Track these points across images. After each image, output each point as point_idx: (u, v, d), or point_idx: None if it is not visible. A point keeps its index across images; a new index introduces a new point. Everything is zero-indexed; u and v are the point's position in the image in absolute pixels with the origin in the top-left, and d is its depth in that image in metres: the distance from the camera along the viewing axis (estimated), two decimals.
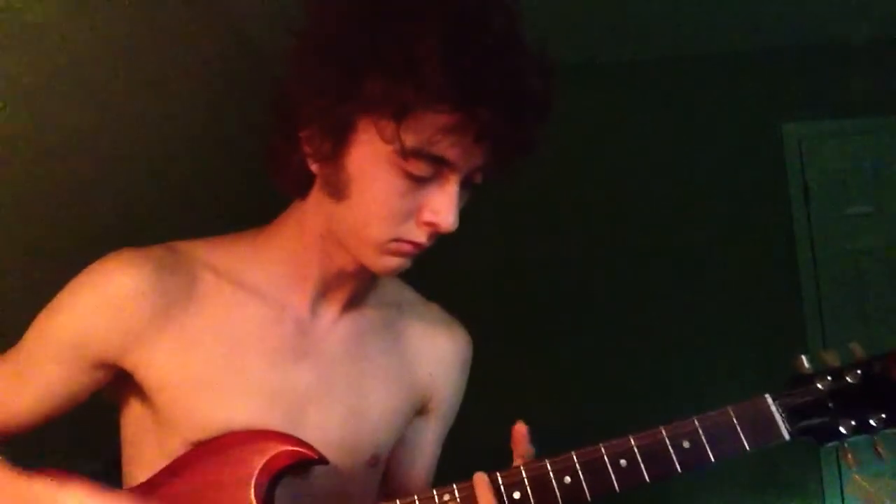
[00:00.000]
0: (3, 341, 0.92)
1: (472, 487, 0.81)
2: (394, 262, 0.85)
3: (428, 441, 1.05)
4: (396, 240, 0.82)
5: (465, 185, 0.82)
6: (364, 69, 0.76)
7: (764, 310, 3.05)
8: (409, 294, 1.05)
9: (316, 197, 0.87)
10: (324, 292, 0.93)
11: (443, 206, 0.80)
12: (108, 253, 0.88)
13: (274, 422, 0.87)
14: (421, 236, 0.83)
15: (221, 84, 2.41)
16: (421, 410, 1.03)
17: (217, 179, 2.31)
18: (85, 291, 0.86)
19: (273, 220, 0.95)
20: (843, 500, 2.94)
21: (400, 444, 1.02)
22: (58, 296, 0.87)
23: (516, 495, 0.80)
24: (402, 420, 1.00)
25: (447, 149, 0.77)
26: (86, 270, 0.87)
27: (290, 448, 0.83)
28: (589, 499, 0.80)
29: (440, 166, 0.79)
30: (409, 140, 0.76)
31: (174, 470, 0.85)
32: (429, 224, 0.81)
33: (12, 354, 0.89)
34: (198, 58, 2.32)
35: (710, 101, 3.24)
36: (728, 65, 3.26)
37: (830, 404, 0.79)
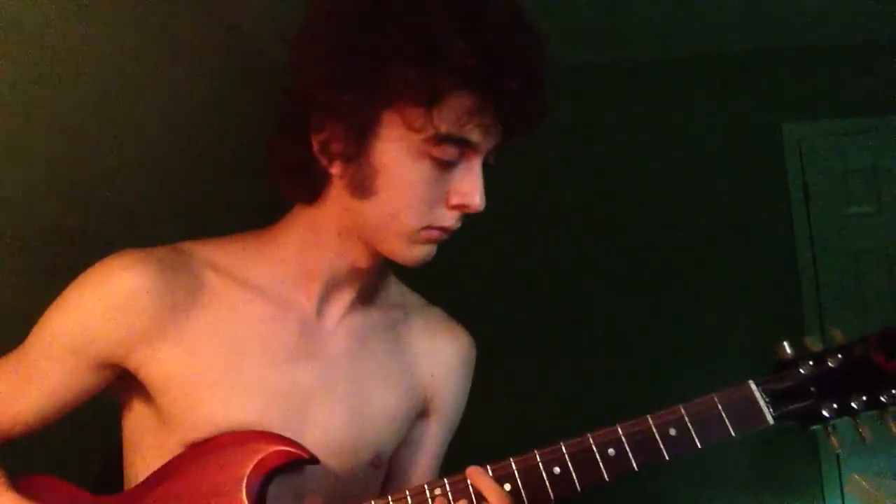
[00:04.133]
0: (3, 342, 0.92)
1: (463, 481, 0.81)
2: (423, 250, 0.86)
3: (430, 443, 1.05)
4: (427, 227, 0.83)
5: (482, 166, 0.84)
6: (388, 62, 0.76)
7: (764, 309, 3.04)
8: (412, 297, 1.05)
9: (335, 196, 0.87)
10: (330, 292, 0.93)
11: (471, 188, 0.82)
12: (110, 254, 0.88)
13: (275, 422, 0.87)
14: (451, 220, 0.84)
15: (223, 85, 2.42)
16: (423, 412, 1.03)
17: (219, 181, 2.32)
18: (89, 292, 0.86)
19: (276, 220, 0.95)
20: (843, 500, 2.93)
21: (402, 446, 1.02)
22: (61, 296, 0.87)
23: (507, 487, 0.80)
24: (403, 421, 0.99)
25: (473, 130, 0.79)
26: (89, 271, 0.87)
27: (282, 448, 0.83)
28: (579, 488, 0.81)
29: (465, 148, 0.81)
30: (442, 126, 0.77)
31: (169, 471, 0.85)
32: (459, 207, 0.83)
33: (15, 356, 0.89)
34: (199, 59, 2.33)
35: (710, 101, 3.24)
36: (728, 65, 3.26)
37: (813, 388, 0.80)
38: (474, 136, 0.80)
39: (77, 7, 1.79)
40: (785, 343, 0.82)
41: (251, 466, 0.82)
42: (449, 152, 0.80)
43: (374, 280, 0.96)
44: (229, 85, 2.43)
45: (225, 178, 2.30)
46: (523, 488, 0.81)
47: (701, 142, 3.24)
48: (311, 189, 0.88)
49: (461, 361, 1.05)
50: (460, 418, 1.08)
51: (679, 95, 3.26)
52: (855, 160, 3.22)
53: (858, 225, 3.19)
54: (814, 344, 0.82)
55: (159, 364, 0.86)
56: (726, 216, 3.18)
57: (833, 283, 3.15)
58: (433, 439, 1.05)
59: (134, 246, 0.89)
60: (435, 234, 0.85)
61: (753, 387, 0.81)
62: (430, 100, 0.76)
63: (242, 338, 0.88)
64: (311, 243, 0.90)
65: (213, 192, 2.29)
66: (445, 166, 0.81)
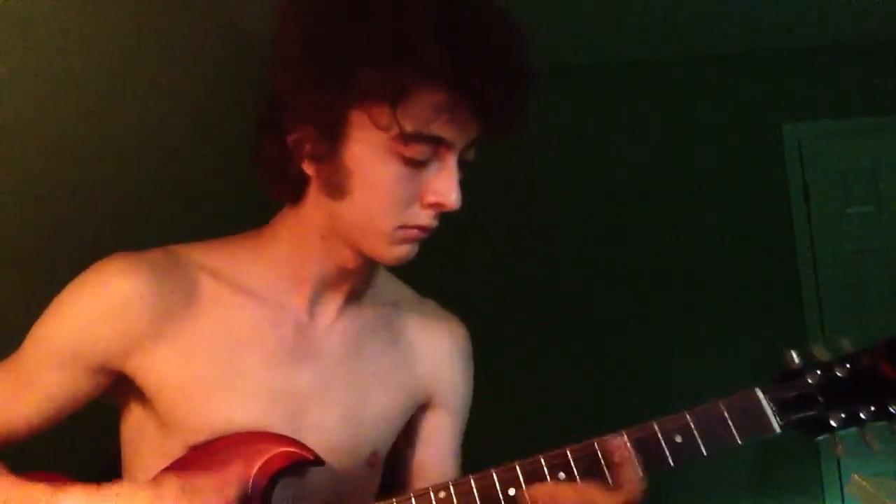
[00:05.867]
0: (3, 342, 0.91)
1: (468, 484, 0.80)
2: (403, 250, 0.85)
3: (442, 437, 1.05)
4: (402, 227, 0.83)
5: (460, 163, 0.83)
6: (355, 59, 0.76)
7: (764, 310, 3.04)
8: (405, 292, 1.05)
9: (314, 197, 0.87)
10: (322, 292, 0.93)
11: (445, 186, 0.81)
12: (104, 256, 0.87)
13: (273, 423, 0.87)
14: (427, 219, 0.83)
15: (220, 84, 2.41)
16: (426, 406, 1.03)
17: (214, 182, 2.31)
18: (83, 297, 0.86)
19: (269, 221, 0.95)
20: (842, 500, 2.94)
21: (414, 443, 1.02)
22: (55, 301, 0.87)
23: (511, 492, 0.80)
24: (400, 418, 0.99)
25: (443, 127, 0.78)
26: (82, 276, 0.87)
27: (287, 449, 0.83)
28: None
29: (437, 146, 0.80)
30: (407, 124, 0.76)
31: (172, 472, 0.84)
32: (434, 205, 0.82)
33: (11, 362, 0.89)
34: (197, 57, 2.33)
35: (710, 101, 3.24)
36: (728, 65, 3.26)
37: (820, 397, 0.79)
38: (445, 133, 0.79)
39: (76, 6, 1.78)
40: (792, 352, 0.81)
41: (257, 467, 0.82)
42: (420, 151, 0.79)
43: (364, 279, 0.96)
44: (228, 85, 2.42)
45: (223, 178, 2.29)
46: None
47: (701, 142, 3.24)
48: (293, 189, 0.88)
49: (458, 352, 1.05)
50: (469, 408, 1.07)
51: (679, 95, 3.26)
52: (855, 160, 3.22)
53: (858, 225, 3.19)
54: (821, 353, 0.81)
55: (156, 368, 0.86)
56: (726, 216, 3.18)
57: (833, 283, 3.15)
58: (444, 432, 1.05)
59: (128, 247, 0.88)
60: (412, 233, 0.84)
61: (760, 395, 0.81)
62: (395, 97, 0.75)
63: (238, 340, 0.88)
64: (299, 245, 0.90)
65: (211, 193, 2.28)
66: (418, 165, 0.80)
